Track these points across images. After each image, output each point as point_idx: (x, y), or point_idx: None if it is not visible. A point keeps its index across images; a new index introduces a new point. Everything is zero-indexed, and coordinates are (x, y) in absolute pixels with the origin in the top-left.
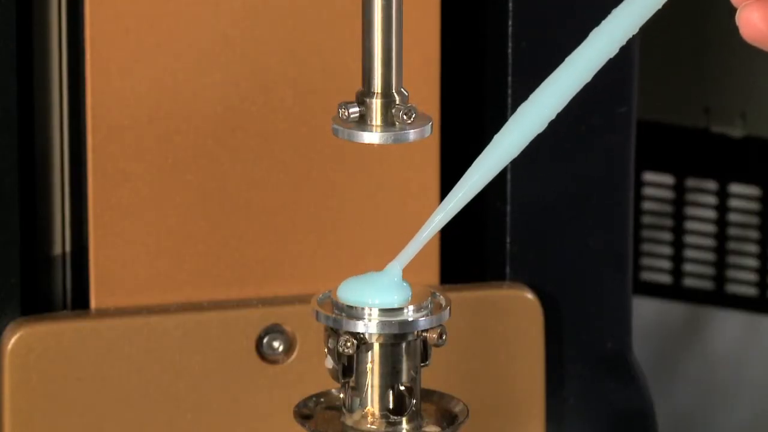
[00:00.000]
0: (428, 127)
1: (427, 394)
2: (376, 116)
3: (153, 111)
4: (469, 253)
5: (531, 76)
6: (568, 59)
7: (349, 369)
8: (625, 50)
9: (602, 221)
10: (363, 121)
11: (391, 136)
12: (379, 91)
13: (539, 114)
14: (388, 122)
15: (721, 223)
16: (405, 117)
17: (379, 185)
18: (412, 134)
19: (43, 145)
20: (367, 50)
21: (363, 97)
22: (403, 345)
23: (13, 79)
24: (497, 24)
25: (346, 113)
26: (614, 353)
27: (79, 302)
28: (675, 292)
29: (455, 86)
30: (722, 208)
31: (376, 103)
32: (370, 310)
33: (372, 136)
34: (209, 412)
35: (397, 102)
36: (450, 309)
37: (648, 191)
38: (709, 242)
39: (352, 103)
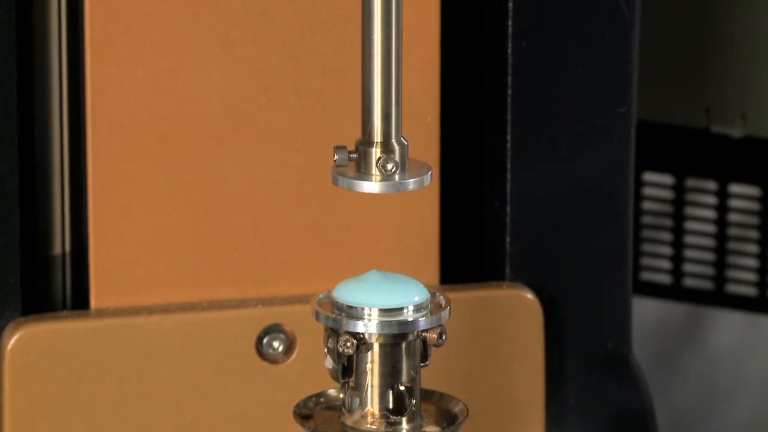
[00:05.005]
0: (428, 176)
1: (427, 394)
2: (375, 165)
3: (153, 111)
4: (468, 253)
5: (531, 76)
6: None
7: (348, 369)
8: (625, 50)
9: (602, 221)
10: (362, 170)
11: (390, 186)
12: (379, 140)
13: None
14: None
15: (721, 223)
16: (384, 169)
17: None
18: (411, 184)
19: (43, 145)
20: (366, 100)
21: (362, 146)
22: (403, 345)
23: (13, 79)
24: (497, 24)
25: (336, 158)
26: (614, 353)
27: (79, 302)
28: (675, 292)
29: (455, 86)
30: (722, 208)
31: (375, 152)
32: (370, 310)
33: (372, 186)
34: (209, 412)
35: (397, 151)
36: (450, 309)
37: (648, 191)
38: (709, 242)
39: (343, 147)
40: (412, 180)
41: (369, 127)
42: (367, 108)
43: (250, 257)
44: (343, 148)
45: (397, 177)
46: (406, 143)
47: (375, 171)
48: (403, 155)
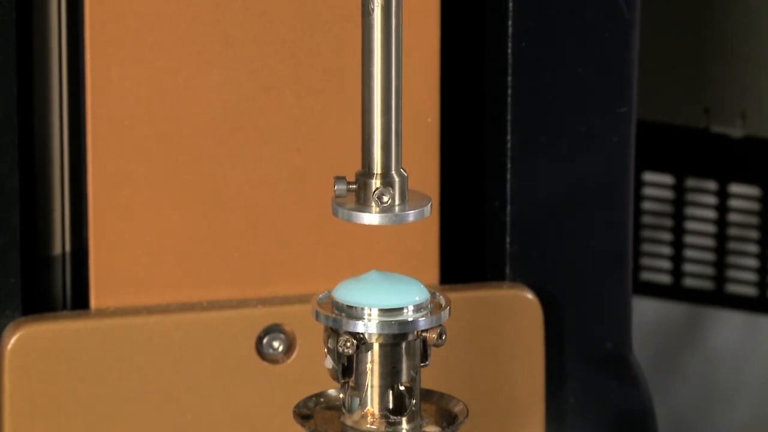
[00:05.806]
0: (428, 208)
1: (427, 394)
2: (374, 196)
3: (153, 111)
4: (469, 253)
5: (531, 76)
6: None
7: (348, 369)
8: (625, 50)
9: (602, 221)
10: (361, 201)
11: (389, 218)
12: (378, 172)
13: None
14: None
15: (721, 223)
16: (379, 200)
17: None
18: (411, 215)
19: (43, 145)
20: (366, 132)
21: (362, 177)
22: (403, 345)
23: (13, 79)
24: (497, 24)
25: (336, 188)
26: (614, 353)
27: (79, 302)
28: (675, 292)
29: (455, 86)
30: (722, 208)
31: (374, 184)
32: (370, 310)
33: (372, 217)
34: (209, 412)
35: (396, 183)
36: (450, 309)
37: (648, 191)
38: (709, 242)
39: (342, 178)
40: (412, 211)
41: (369, 158)
42: (366, 140)
43: (250, 257)
44: (343, 178)
45: (396, 208)
46: (405, 175)
47: (373, 203)
48: (402, 187)
